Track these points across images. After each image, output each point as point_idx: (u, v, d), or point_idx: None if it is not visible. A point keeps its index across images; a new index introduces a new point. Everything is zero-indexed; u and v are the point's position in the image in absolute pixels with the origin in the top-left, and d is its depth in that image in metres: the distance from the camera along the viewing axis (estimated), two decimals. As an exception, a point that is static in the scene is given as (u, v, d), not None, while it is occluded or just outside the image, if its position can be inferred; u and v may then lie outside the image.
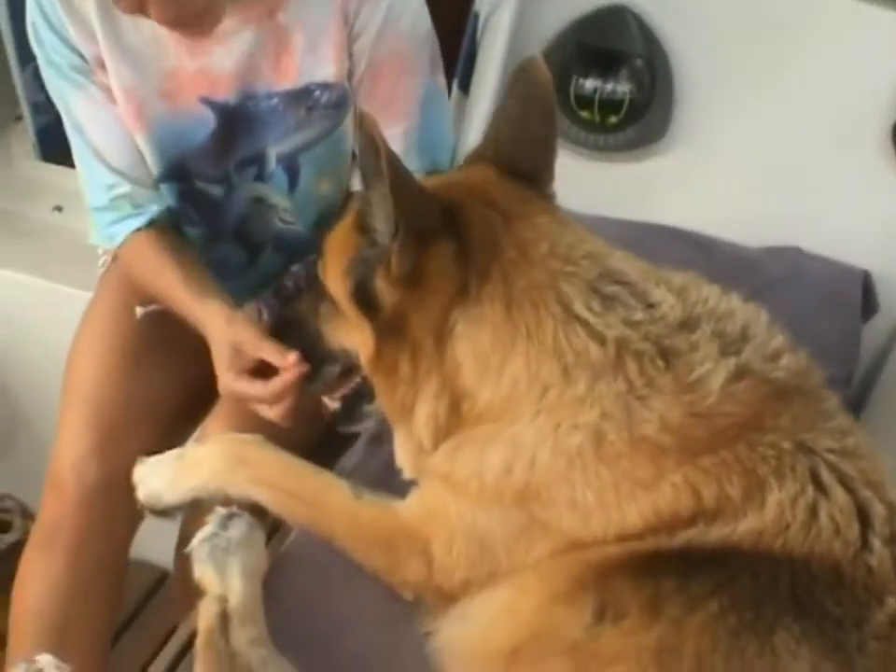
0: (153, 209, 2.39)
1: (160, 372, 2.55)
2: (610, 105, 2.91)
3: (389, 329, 1.68)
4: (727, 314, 1.68)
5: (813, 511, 1.52)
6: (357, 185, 2.43)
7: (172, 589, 2.71)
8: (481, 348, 1.63)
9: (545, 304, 1.62)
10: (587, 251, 1.68)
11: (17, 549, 3.15)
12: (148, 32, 2.25)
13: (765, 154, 2.93)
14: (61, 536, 2.38)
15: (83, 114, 2.35)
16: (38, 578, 2.38)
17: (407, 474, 1.85)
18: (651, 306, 1.64)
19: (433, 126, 2.44)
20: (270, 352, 2.02)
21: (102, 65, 2.30)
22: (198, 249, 2.54)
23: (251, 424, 2.11)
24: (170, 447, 2.03)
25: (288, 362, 1.97)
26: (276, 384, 2.00)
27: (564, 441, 1.60)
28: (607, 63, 2.93)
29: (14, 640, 2.38)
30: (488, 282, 1.63)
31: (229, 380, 2.09)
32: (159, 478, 1.95)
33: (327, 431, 2.49)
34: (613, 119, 2.93)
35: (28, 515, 3.64)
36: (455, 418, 1.69)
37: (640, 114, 2.93)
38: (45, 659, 1.85)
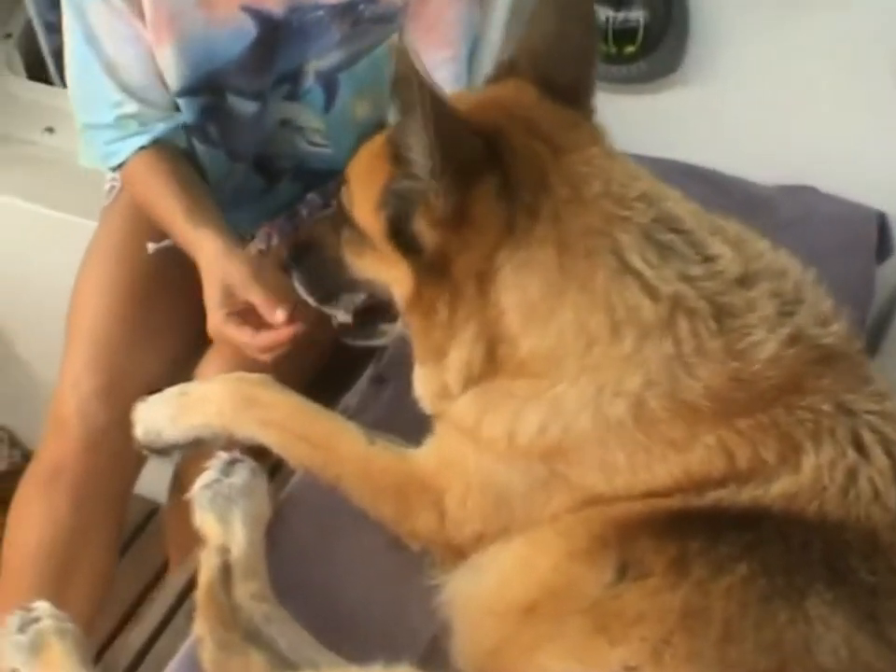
0: (159, 127, 2.31)
1: (168, 311, 2.50)
2: (625, 34, 2.84)
3: (429, 270, 1.59)
4: (782, 272, 1.61)
5: (852, 475, 1.47)
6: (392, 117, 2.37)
7: (164, 526, 2.67)
8: (528, 295, 1.55)
9: (598, 253, 1.53)
10: (641, 191, 1.59)
11: (4, 477, 3.13)
12: None
13: (781, 89, 2.86)
14: (63, 479, 2.32)
15: (101, 23, 2.23)
16: (38, 519, 2.31)
17: (425, 408, 1.77)
18: (708, 259, 1.57)
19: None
20: (260, 301, 1.98)
21: None
22: (208, 172, 2.46)
23: (248, 363, 2.06)
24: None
25: (277, 319, 1.94)
26: (264, 338, 1.98)
27: (605, 409, 1.53)
28: (621, -11, 2.86)
29: (8, 583, 2.32)
30: (538, 222, 1.54)
31: (217, 320, 2.04)
32: (160, 414, 1.90)
33: (326, 366, 2.45)
34: (629, 50, 2.85)
35: (16, 444, 3.62)
36: (489, 365, 1.62)
37: (655, 44, 2.86)
38: (42, 607, 1.80)
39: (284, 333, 1.93)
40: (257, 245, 2.56)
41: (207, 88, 2.34)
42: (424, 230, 1.56)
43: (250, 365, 2.03)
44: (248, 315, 2.01)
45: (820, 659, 1.36)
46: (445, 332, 1.62)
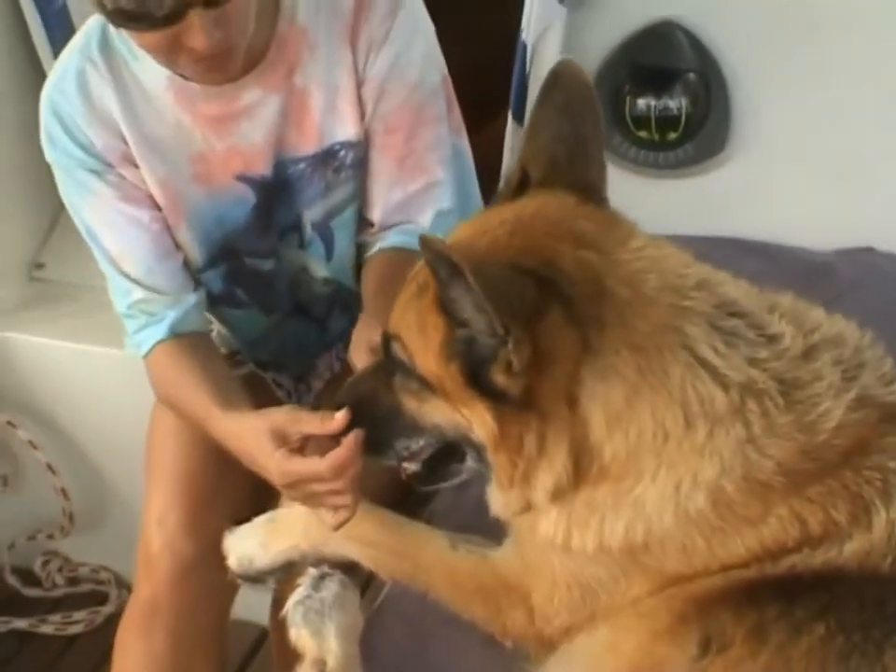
0: (170, 315, 2.30)
1: None
2: (667, 121, 2.89)
3: (514, 408, 1.57)
4: (840, 339, 1.63)
5: (923, 529, 1.49)
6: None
7: (271, 649, 2.71)
8: (611, 403, 1.54)
9: (670, 349, 1.53)
10: (697, 279, 1.60)
11: (115, 620, 3.18)
12: (171, 119, 2.25)
13: (827, 155, 2.90)
14: (159, 616, 2.35)
15: (94, 219, 2.31)
16: (139, 659, 2.35)
17: (497, 514, 1.75)
18: (772, 339, 1.58)
19: (463, 186, 2.41)
20: (313, 420, 1.85)
21: (129, 162, 2.27)
22: (250, 332, 2.54)
23: None
24: (259, 514, 2.01)
25: (339, 422, 1.77)
26: (334, 457, 1.78)
27: (684, 504, 1.54)
28: (659, 80, 2.92)
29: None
30: (606, 329, 1.53)
31: (281, 463, 1.87)
32: (250, 543, 1.94)
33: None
34: (672, 136, 2.90)
35: (123, 585, 3.68)
36: (575, 478, 1.59)
37: (698, 128, 2.92)
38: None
39: (351, 441, 1.78)
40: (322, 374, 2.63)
41: (224, 255, 2.41)
42: (505, 382, 1.54)
43: None
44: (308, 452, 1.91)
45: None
46: (532, 461, 1.59)
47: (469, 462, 1.74)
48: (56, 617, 3.67)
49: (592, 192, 1.69)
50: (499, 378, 1.54)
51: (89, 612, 3.66)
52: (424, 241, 1.45)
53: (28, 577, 3.82)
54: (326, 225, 2.41)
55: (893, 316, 2.35)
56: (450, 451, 1.75)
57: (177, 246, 2.35)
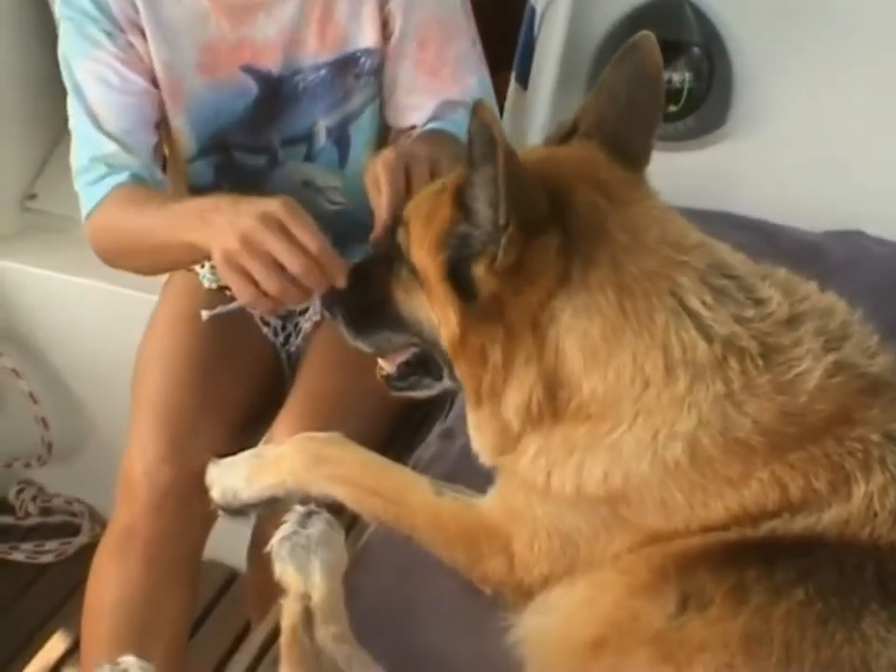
0: (133, 166, 2.31)
1: (227, 375, 2.57)
2: (669, 94, 2.90)
3: (480, 315, 1.63)
4: (828, 311, 1.65)
5: (903, 499, 1.52)
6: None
7: (245, 588, 2.74)
8: (590, 338, 1.58)
9: (657, 294, 1.57)
10: (697, 240, 1.65)
11: (86, 552, 3.21)
12: (189, 2, 2.29)
13: (826, 137, 2.93)
14: (135, 541, 2.39)
15: (89, 71, 2.33)
16: (114, 583, 2.39)
17: (485, 460, 1.81)
18: (759, 302, 1.61)
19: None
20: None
21: (140, 34, 2.32)
22: None
23: (319, 425, 2.12)
24: (240, 449, 2.03)
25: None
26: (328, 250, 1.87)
27: (662, 453, 1.57)
28: (664, 52, 2.91)
29: (90, 645, 2.41)
30: (597, 268, 1.58)
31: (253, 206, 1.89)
32: (236, 476, 1.96)
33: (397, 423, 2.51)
34: (673, 109, 2.92)
35: (96, 518, 3.71)
36: (550, 407, 1.64)
37: (699, 102, 2.95)
38: (129, 660, 1.84)
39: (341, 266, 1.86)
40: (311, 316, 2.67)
41: (215, 147, 2.45)
42: (482, 276, 1.60)
43: (324, 422, 2.10)
44: None
45: (879, 675, 1.41)
46: (498, 375, 1.65)
47: (446, 381, 1.82)
48: (28, 545, 3.70)
49: (629, 158, 1.73)
50: (478, 271, 1.60)
51: (60, 543, 3.68)
52: (476, 106, 1.49)
53: (1, 504, 3.86)
54: (343, 130, 2.46)
55: (880, 299, 2.36)
56: (427, 364, 1.83)
57: (168, 134, 2.43)
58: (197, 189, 2.49)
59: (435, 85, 2.40)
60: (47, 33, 3.07)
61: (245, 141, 2.46)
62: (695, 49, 2.91)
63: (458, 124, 2.24)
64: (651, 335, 1.57)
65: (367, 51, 2.39)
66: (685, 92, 2.91)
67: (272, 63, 2.37)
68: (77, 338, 3.46)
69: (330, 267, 1.85)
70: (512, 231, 1.54)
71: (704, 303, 1.58)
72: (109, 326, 3.29)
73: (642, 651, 1.53)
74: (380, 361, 1.93)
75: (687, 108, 2.93)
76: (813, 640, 1.43)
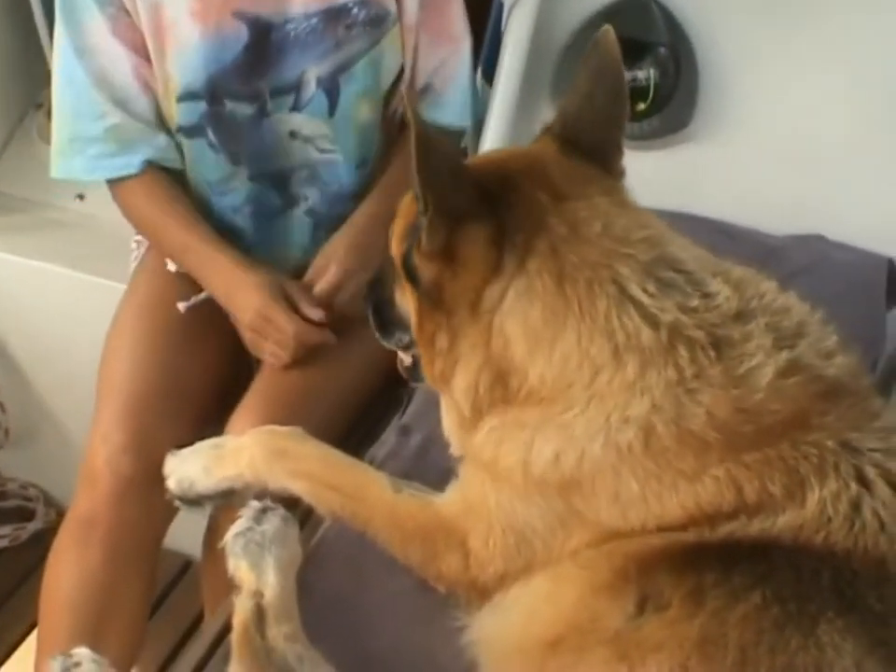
0: (145, 151, 2.45)
1: (195, 365, 2.58)
2: (635, 93, 2.89)
3: (428, 301, 1.68)
4: (783, 309, 1.67)
5: (856, 506, 1.52)
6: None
7: (200, 577, 2.72)
8: (531, 322, 1.61)
9: (598, 282, 1.59)
10: (645, 235, 1.66)
11: (40, 537, 3.19)
12: None
13: (792, 138, 2.92)
14: (96, 529, 2.39)
15: (97, 35, 2.38)
16: (73, 571, 2.38)
17: (454, 450, 1.85)
18: (706, 295, 1.62)
19: None
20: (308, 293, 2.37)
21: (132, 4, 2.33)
22: (210, 178, 2.58)
23: (278, 417, 2.12)
24: (202, 440, 2.03)
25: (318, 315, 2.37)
26: (308, 330, 2.38)
27: (615, 436, 1.58)
28: (630, 51, 2.91)
29: (46, 632, 2.39)
30: (535, 256, 1.61)
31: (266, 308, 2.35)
32: (193, 466, 1.96)
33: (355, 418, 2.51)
34: (641, 107, 2.92)
35: (51, 504, 3.67)
36: (501, 393, 1.67)
37: (665, 102, 2.93)
38: (82, 652, 1.84)
39: (326, 335, 2.34)
40: None
41: (206, 93, 2.45)
42: (418, 262, 1.67)
43: (282, 415, 2.10)
44: None
45: (832, 684, 1.41)
46: (447, 360, 1.70)
47: None
48: (-20, 530, 3.66)
49: (592, 152, 1.76)
50: (415, 256, 1.67)
51: (14, 528, 3.62)
52: (407, 97, 1.59)
53: (-45, 488, 3.81)
54: (334, 79, 2.48)
55: (839, 305, 2.37)
56: None
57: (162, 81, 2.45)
58: (186, 130, 2.52)
59: (437, 43, 2.56)
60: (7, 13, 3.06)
61: (237, 88, 2.47)
62: (662, 49, 2.90)
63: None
64: (593, 320, 1.59)
65: (360, 2, 2.42)
66: (651, 91, 2.90)
67: (264, 8, 2.39)
68: (36, 323, 3.41)
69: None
70: (432, 216, 1.59)
71: (646, 292, 1.59)
72: (68, 312, 3.25)
73: (599, 650, 1.53)
74: (400, 353, 1.96)
75: (653, 107, 2.91)
76: (768, 645, 1.43)
